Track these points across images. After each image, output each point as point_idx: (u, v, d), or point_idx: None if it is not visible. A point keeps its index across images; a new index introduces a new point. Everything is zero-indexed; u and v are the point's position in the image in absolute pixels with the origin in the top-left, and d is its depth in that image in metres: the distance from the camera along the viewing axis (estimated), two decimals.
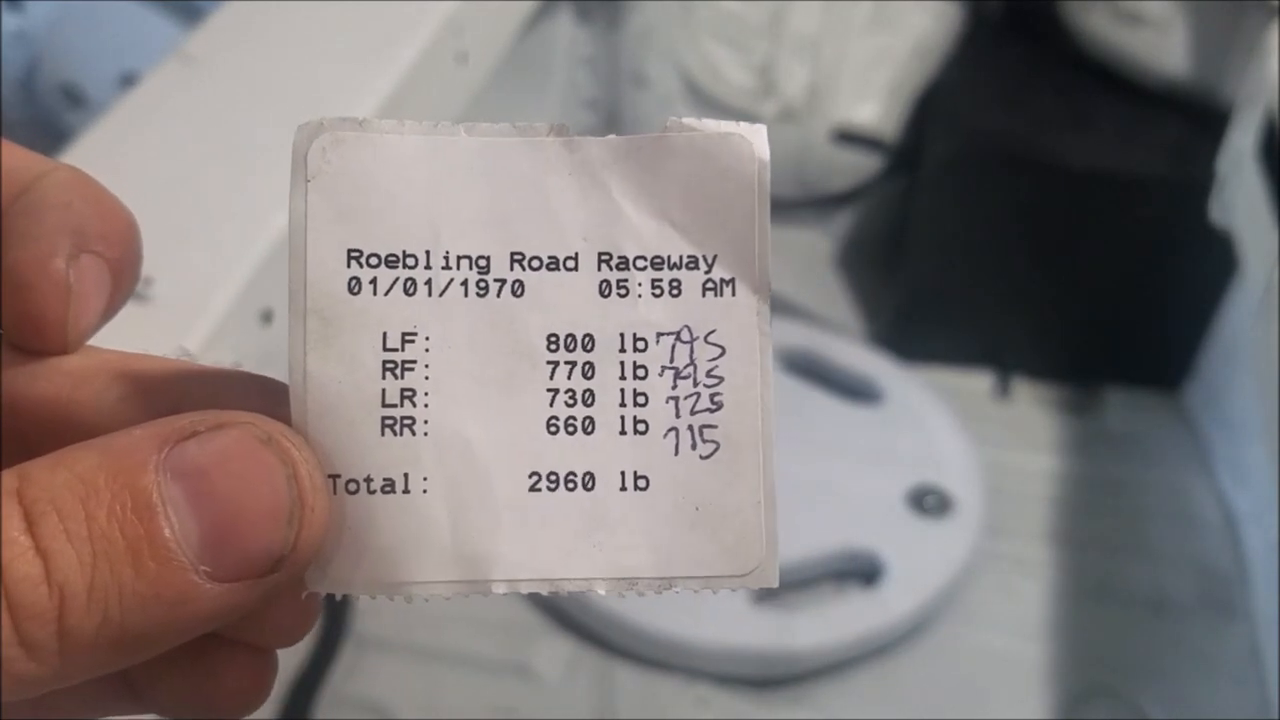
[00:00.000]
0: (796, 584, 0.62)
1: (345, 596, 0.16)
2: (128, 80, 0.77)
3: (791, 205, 0.82)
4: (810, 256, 0.83)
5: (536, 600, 0.62)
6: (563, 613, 0.61)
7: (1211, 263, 0.64)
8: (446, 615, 0.61)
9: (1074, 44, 0.73)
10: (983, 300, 0.74)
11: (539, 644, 0.60)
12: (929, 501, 0.64)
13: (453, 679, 0.59)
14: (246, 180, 0.39)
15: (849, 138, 0.78)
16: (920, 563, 0.61)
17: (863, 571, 0.62)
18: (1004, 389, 0.75)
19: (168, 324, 0.33)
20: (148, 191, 0.38)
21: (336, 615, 0.60)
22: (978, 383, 0.75)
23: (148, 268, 0.34)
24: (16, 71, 0.83)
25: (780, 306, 0.78)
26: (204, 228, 0.36)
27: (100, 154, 0.39)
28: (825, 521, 0.63)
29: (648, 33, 0.77)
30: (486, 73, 0.55)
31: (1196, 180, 0.62)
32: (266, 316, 0.36)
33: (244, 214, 0.37)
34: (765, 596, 0.61)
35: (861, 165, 0.80)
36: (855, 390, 0.71)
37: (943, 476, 0.65)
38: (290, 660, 0.58)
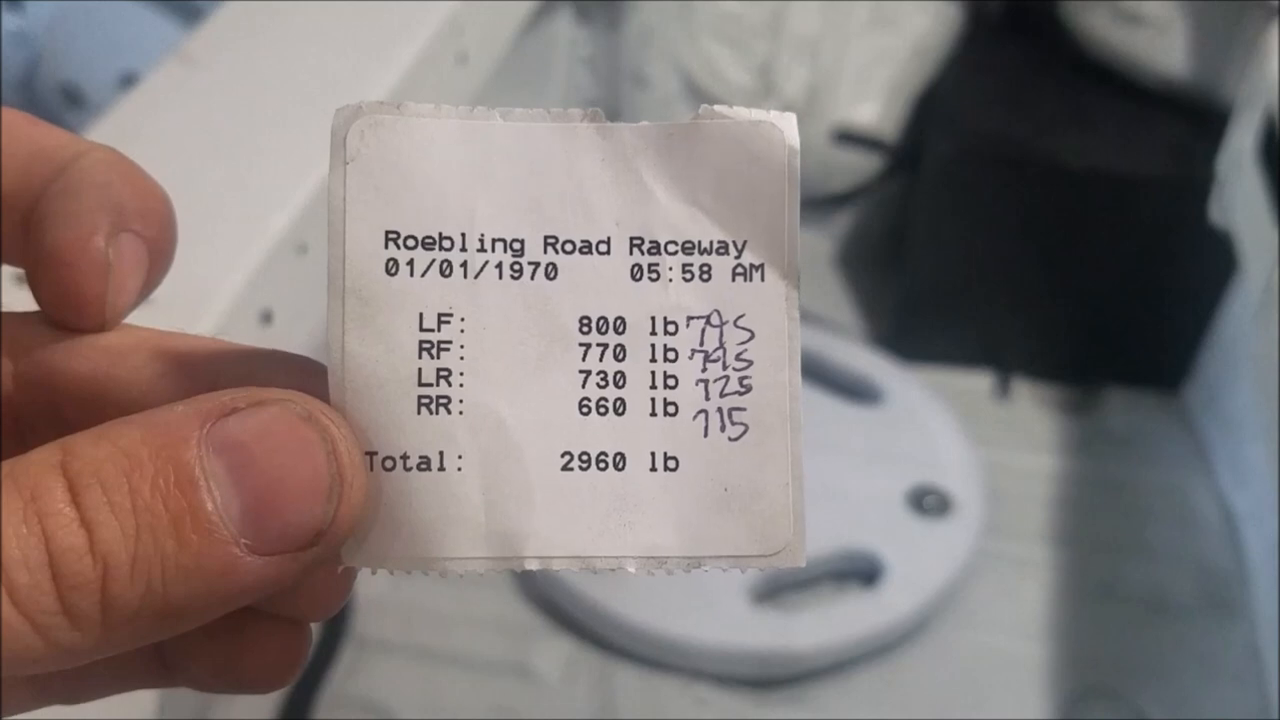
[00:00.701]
0: (796, 584, 0.62)
1: (381, 571, 0.17)
2: (127, 80, 0.77)
3: None
4: (810, 256, 0.83)
5: (537, 600, 0.62)
6: (563, 613, 0.61)
7: (1211, 263, 0.64)
8: (447, 615, 0.61)
9: (1074, 44, 0.73)
10: (983, 300, 0.74)
11: (539, 644, 0.60)
12: (929, 502, 0.64)
13: (453, 679, 0.59)
14: (246, 180, 0.39)
15: (849, 138, 0.78)
16: (920, 563, 0.61)
17: (863, 572, 0.62)
18: (1004, 389, 0.75)
19: (167, 324, 0.33)
20: None
21: (336, 616, 0.60)
22: (978, 383, 0.75)
23: None
24: (16, 71, 0.83)
25: None
26: (204, 228, 0.36)
27: None
28: (825, 521, 0.63)
29: (648, 33, 0.77)
30: (486, 73, 0.55)
31: (1196, 180, 0.62)
32: (266, 317, 0.36)
33: (244, 214, 0.37)
34: (765, 596, 0.61)
35: (861, 165, 0.80)
36: (855, 390, 0.71)
37: (943, 476, 0.65)
38: None
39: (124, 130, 0.40)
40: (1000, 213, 0.71)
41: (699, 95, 0.78)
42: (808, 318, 0.78)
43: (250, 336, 0.35)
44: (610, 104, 0.81)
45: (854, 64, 0.77)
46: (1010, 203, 0.70)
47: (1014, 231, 0.72)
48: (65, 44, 0.83)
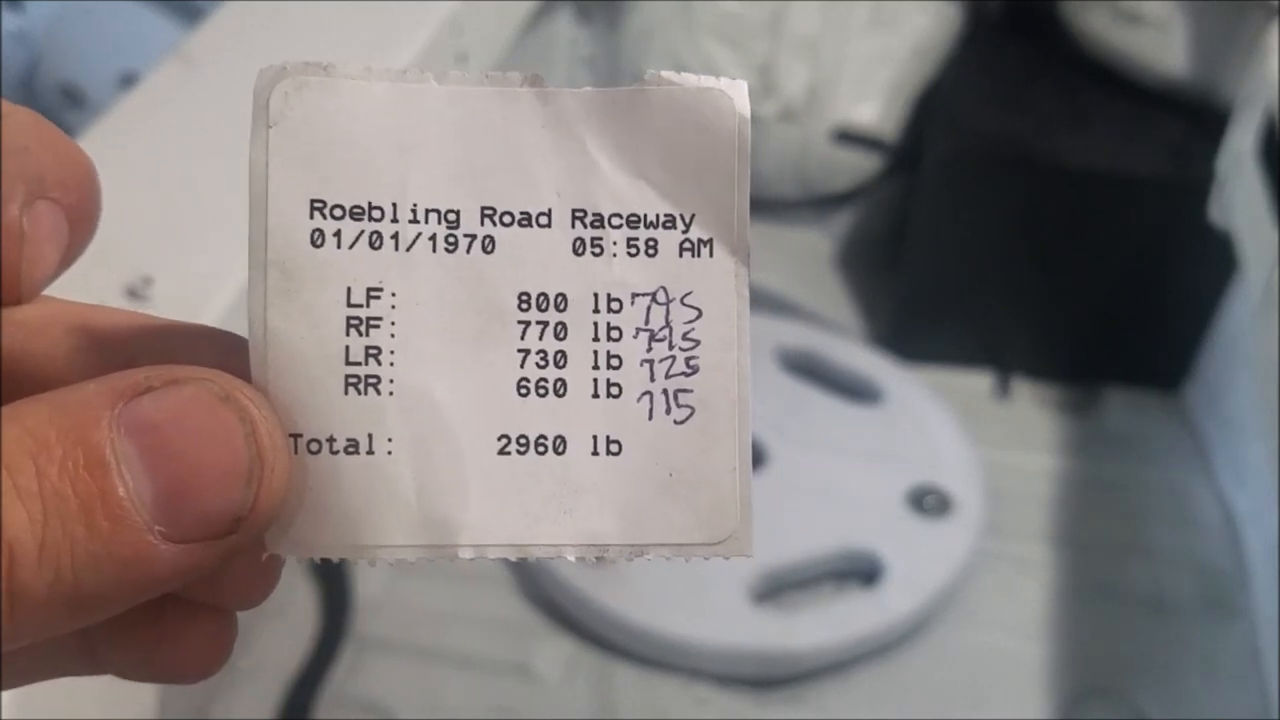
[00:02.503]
0: (796, 584, 0.62)
1: (317, 560, 0.16)
2: (127, 80, 0.77)
3: (791, 205, 0.82)
4: (810, 256, 0.83)
5: (537, 600, 0.62)
6: (563, 612, 0.61)
7: (1211, 263, 0.64)
8: (447, 615, 0.61)
9: (1074, 44, 0.73)
10: (983, 300, 0.74)
11: (539, 644, 0.60)
12: (929, 501, 0.64)
13: (453, 679, 0.59)
14: (246, 179, 0.38)
15: (849, 138, 0.78)
16: (920, 563, 0.61)
17: (863, 571, 0.62)
18: (1004, 389, 0.75)
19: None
20: (147, 191, 0.38)
21: (336, 615, 0.60)
22: (978, 383, 0.75)
23: (147, 267, 0.34)
24: (16, 71, 0.83)
25: (780, 306, 0.78)
26: (203, 228, 0.36)
27: (100, 154, 0.39)
28: (825, 521, 0.63)
29: (648, 33, 0.77)
30: None
31: (1196, 180, 0.62)
32: None
33: (243, 214, 0.37)
34: (765, 596, 0.61)
35: (861, 165, 0.80)
36: (855, 390, 0.71)
37: (943, 476, 0.65)
38: (290, 660, 0.58)
39: (123, 130, 0.40)
40: (1000, 213, 0.71)
41: None
42: (808, 317, 0.78)
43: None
44: None
45: (854, 64, 0.77)
46: (1010, 203, 0.70)
47: (1014, 231, 0.72)
48: (65, 44, 0.83)
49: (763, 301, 0.76)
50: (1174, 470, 0.70)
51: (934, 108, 0.76)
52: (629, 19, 0.78)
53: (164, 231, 0.36)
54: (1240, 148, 0.57)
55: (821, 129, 0.78)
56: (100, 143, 0.40)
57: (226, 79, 0.44)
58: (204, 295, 0.34)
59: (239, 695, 0.56)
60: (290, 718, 0.56)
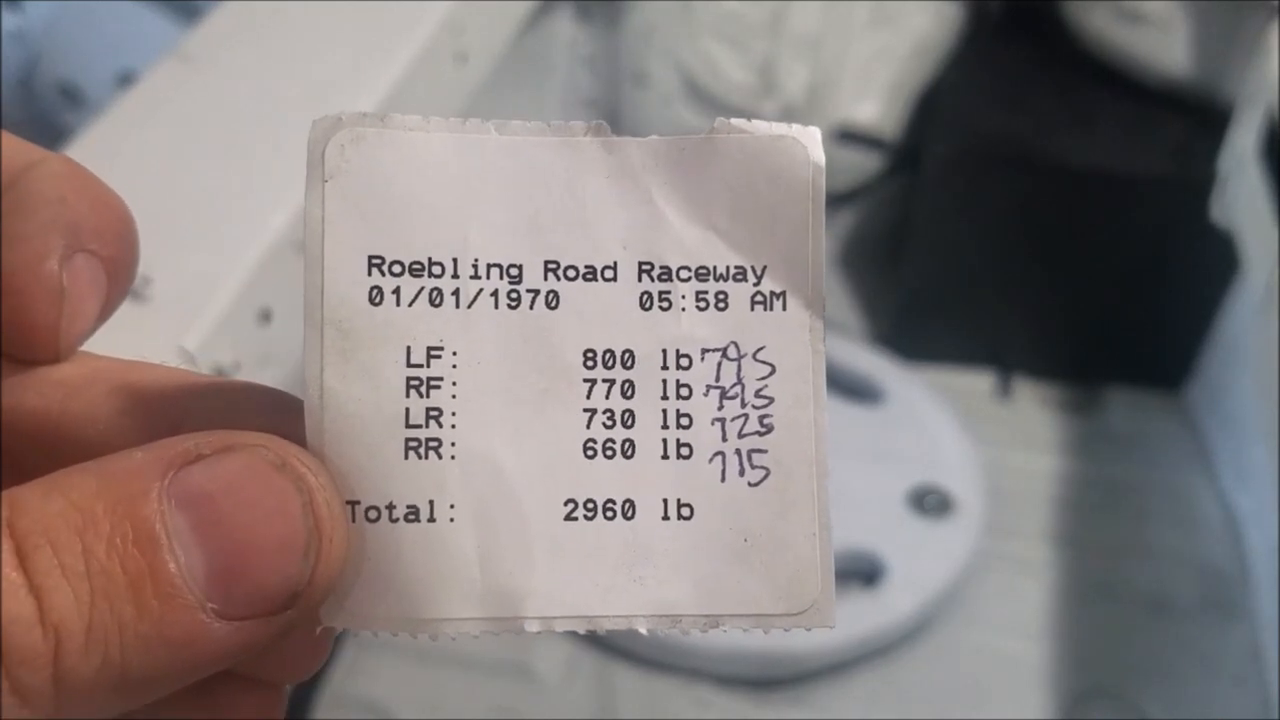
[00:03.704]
0: None
1: (374, 635, 0.15)
2: (125, 79, 0.77)
3: None
4: None
5: None
6: None
7: (1213, 262, 0.64)
8: None
9: (1075, 43, 0.73)
10: (983, 300, 0.74)
11: (539, 644, 0.60)
12: (930, 501, 0.64)
13: (453, 679, 0.59)
14: (245, 179, 0.38)
15: (849, 137, 0.78)
16: (921, 563, 0.61)
17: (863, 572, 0.62)
18: (1005, 389, 0.75)
19: (166, 324, 0.33)
20: (146, 191, 0.38)
21: None
22: (978, 383, 0.75)
23: (146, 267, 0.34)
24: (15, 71, 0.83)
25: None
26: (203, 227, 0.36)
27: (98, 153, 0.39)
28: None
29: (648, 32, 0.77)
30: (486, 72, 0.55)
31: (1198, 180, 0.62)
32: (265, 316, 0.36)
33: (243, 213, 0.37)
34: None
35: (861, 165, 0.79)
36: (856, 390, 0.71)
37: (943, 476, 0.65)
38: None
39: (122, 129, 0.40)
40: (1001, 212, 0.71)
41: (699, 94, 0.78)
42: None
43: (249, 336, 0.35)
44: (610, 103, 0.81)
45: (855, 63, 0.77)
46: (1011, 202, 0.70)
47: (1015, 231, 0.71)
48: (64, 43, 0.82)
49: None
50: (1175, 470, 0.70)
51: (934, 107, 0.76)
52: (629, 19, 0.77)
53: (163, 231, 0.36)
54: (1242, 147, 0.56)
55: (822, 128, 0.78)
56: (98, 142, 0.39)
57: (226, 78, 0.43)
58: (204, 295, 0.34)
59: None
60: (290, 718, 0.56)
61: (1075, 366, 0.75)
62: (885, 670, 0.60)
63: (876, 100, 0.78)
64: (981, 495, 0.65)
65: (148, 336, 0.32)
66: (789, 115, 0.77)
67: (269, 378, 0.35)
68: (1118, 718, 0.58)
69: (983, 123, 0.71)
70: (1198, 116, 0.68)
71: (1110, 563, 0.65)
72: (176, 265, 0.34)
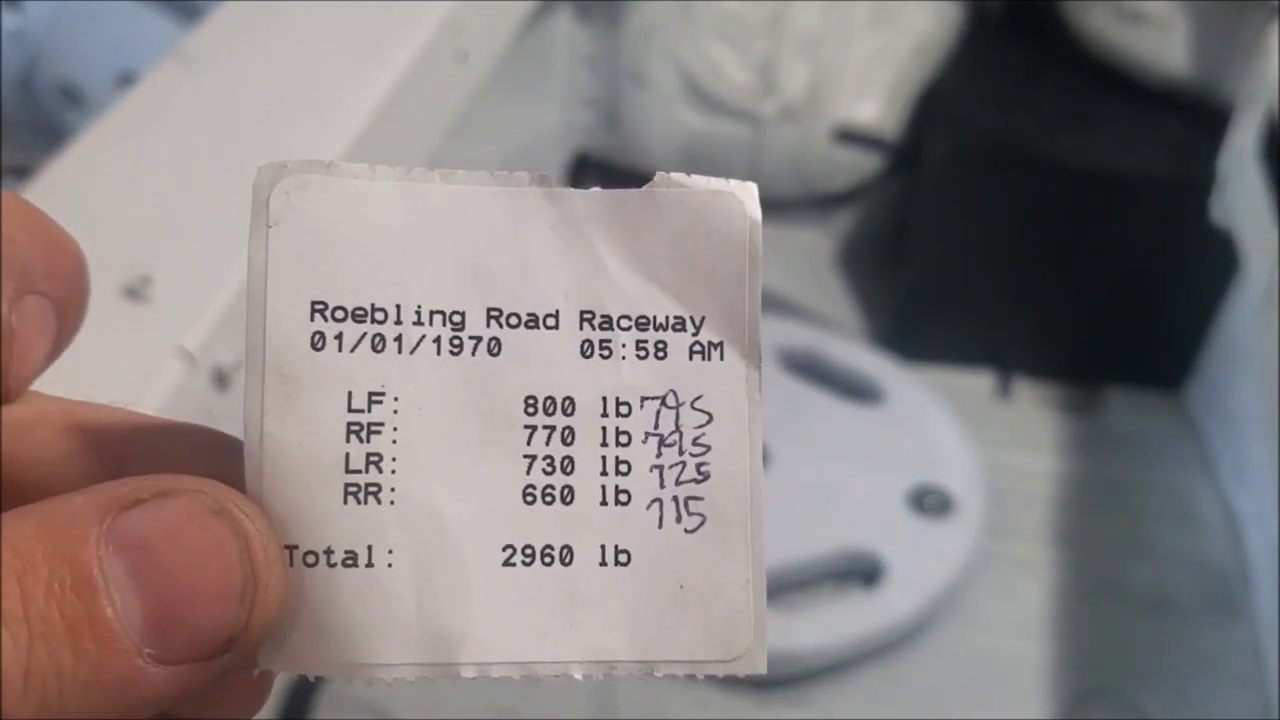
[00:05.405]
0: (797, 584, 0.62)
1: (311, 678, 0.15)
2: (126, 79, 0.77)
3: (791, 205, 0.82)
4: (810, 256, 0.83)
5: None
6: None
7: (1213, 262, 0.64)
8: None
9: (1075, 43, 0.73)
10: (983, 300, 0.74)
11: None
12: (930, 501, 0.64)
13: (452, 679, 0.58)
14: (245, 179, 0.38)
15: (849, 137, 0.78)
16: (921, 563, 0.61)
17: (863, 572, 0.62)
18: (1005, 389, 0.75)
19: (166, 324, 0.33)
20: (146, 191, 0.38)
21: None
22: (978, 383, 0.75)
23: (146, 267, 0.34)
24: (15, 71, 0.83)
25: (780, 306, 0.78)
26: (203, 227, 0.36)
27: (98, 153, 0.39)
28: (826, 522, 0.63)
29: (648, 32, 0.77)
30: (486, 72, 0.55)
31: (1198, 179, 0.62)
32: None
33: (243, 213, 0.37)
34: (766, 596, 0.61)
35: (861, 165, 0.80)
36: (856, 390, 0.71)
37: (943, 476, 0.65)
38: None
39: (122, 130, 0.40)
40: (1000, 212, 0.71)
41: (699, 94, 0.78)
42: (808, 317, 0.77)
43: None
44: (610, 103, 0.81)
45: (855, 63, 0.77)
46: (1011, 202, 0.70)
47: (1014, 231, 0.71)
48: (64, 43, 0.82)
49: (763, 301, 0.76)
50: (1175, 470, 0.70)
51: (935, 107, 0.76)
52: (629, 18, 0.77)
53: (163, 231, 0.36)
54: (1242, 147, 0.56)
55: (822, 128, 0.78)
56: (98, 142, 0.39)
57: (225, 79, 0.43)
58: (203, 295, 0.34)
59: None
60: (290, 718, 0.56)
61: (1075, 366, 0.75)
62: (885, 670, 0.60)
63: (876, 100, 0.78)
64: (981, 495, 0.65)
65: (148, 336, 0.32)
66: (789, 115, 0.77)
67: None
68: (1118, 718, 0.58)
69: (983, 122, 0.71)
70: (1198, 116, 0.68)
71: (1110, 563, 0.65)
72: (177, 266, 0.34)
